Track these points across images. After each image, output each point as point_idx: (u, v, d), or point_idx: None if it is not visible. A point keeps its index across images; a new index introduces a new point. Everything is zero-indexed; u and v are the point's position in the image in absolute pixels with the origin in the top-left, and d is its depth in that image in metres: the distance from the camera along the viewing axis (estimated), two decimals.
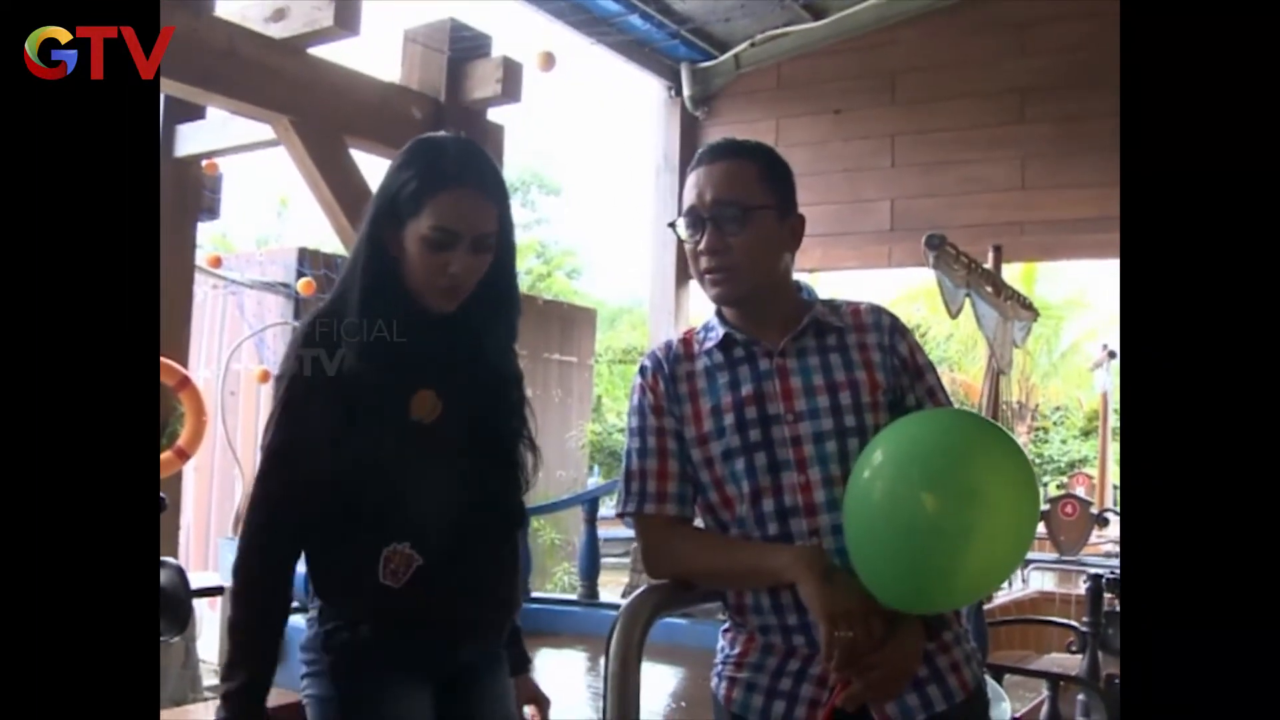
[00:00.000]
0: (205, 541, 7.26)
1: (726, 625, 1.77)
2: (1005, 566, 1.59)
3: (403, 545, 1.64)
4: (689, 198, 1.71)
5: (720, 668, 1.74)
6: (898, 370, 1.73)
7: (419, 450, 1.67)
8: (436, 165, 1.69)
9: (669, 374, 1.74)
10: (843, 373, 1.69)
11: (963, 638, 1.70)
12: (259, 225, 17.94)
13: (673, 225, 1.74)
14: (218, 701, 1.61)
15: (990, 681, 2.82)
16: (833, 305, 1.78)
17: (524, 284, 16.80)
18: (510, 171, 19.48)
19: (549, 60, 4.61)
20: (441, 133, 1.82)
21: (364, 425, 1.65)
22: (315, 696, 1.69)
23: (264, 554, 1.66)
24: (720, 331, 1.74)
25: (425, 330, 1.71)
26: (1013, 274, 8.03)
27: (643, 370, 1.77)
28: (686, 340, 1.79)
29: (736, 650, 1.71)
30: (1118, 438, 9.63)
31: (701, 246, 1.68)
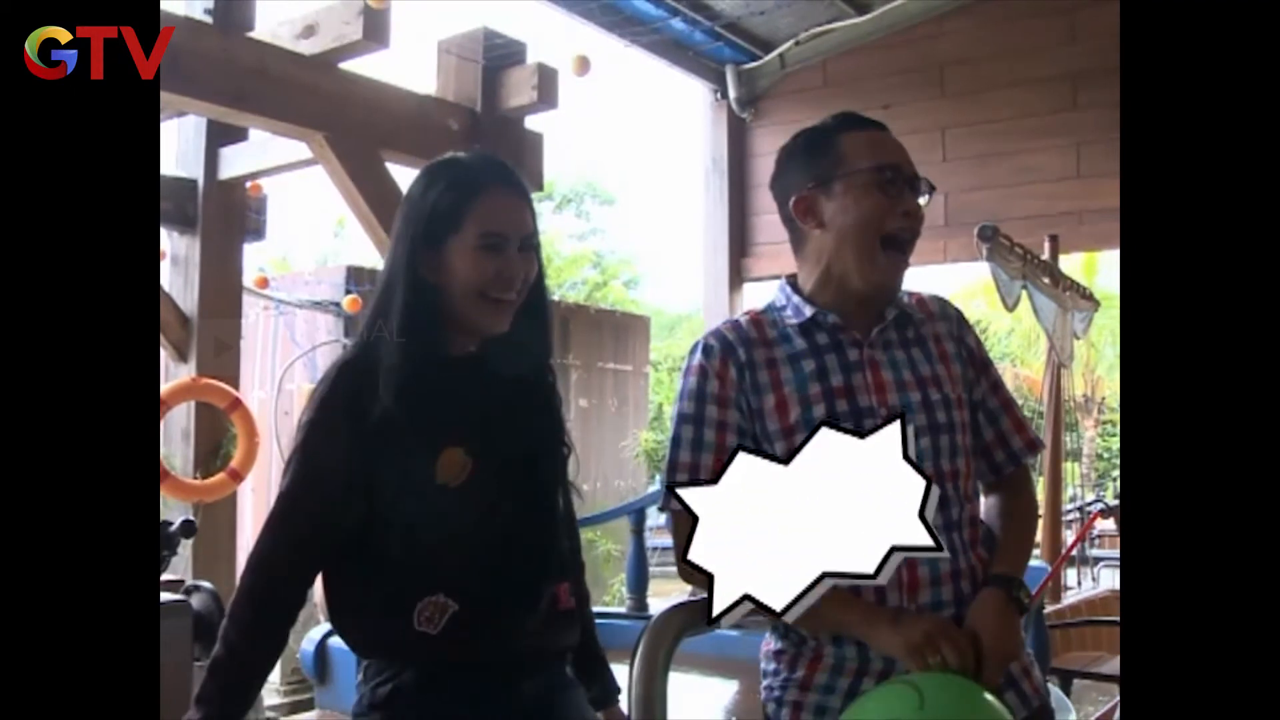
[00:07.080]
0: None
1: (777, 647, 1.62)
2: None
3: (435, 596, 1.53)
4: (888, 153, 1.60)
5: (778, 692, 1.59)
6: (965, 363, 1.66)
7: (445, 514, 1.54)
8: (466, 176, 1.60)
9: (746, 359, 1.59)
10: (928, 367, 1.61)
11: (1022, 644, 1.60)
12: (318, 247, 18.16)
13: (909, 181, 1.61)
14: None
15: (1054, 690, 2.67)
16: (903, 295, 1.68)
17: (580, 294, 16.88)
18: (564, 183, 19.53)
19: (584, 64, 4.55)
20: (452, 153, 1.71)
21: (386, 487, 1.53)
22: None
23: (260, 609, 1.55)
24: (808, 311, 1.60)
25: (456, 377, 1.59)
26: (1073, 264, 7.84)
27: (707, 351, 1.61)
28: (757, 322, 1.64)
29: (799, 672, 1.57)
30: None
31: (912, 208, 1.59)
